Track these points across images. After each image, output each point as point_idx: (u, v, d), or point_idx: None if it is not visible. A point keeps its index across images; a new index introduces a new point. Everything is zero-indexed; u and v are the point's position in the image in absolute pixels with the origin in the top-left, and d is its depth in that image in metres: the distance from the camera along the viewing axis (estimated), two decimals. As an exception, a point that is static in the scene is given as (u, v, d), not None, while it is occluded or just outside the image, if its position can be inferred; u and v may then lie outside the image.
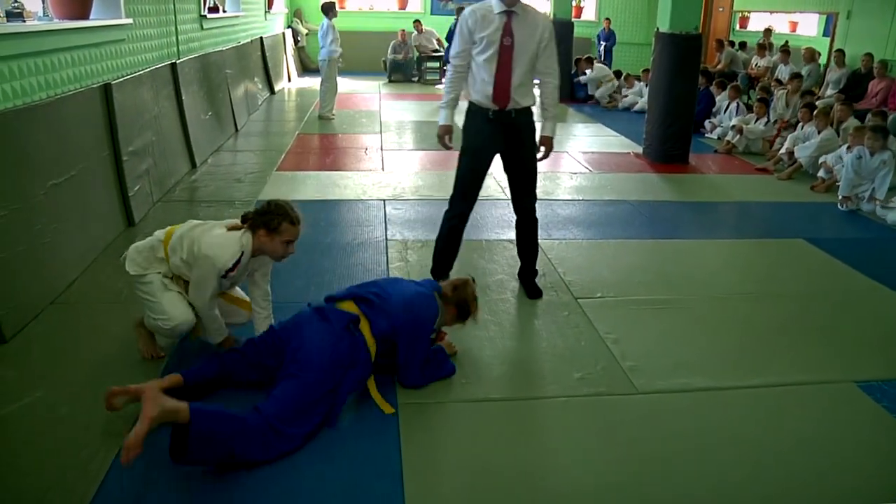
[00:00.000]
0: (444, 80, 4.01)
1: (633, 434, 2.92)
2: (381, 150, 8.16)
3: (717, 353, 3.62)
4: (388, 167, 7.30)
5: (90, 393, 3.03)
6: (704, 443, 2.87)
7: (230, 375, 3.03)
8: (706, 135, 9.58)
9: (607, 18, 15.10)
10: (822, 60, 11.45)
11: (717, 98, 9.89)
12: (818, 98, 9.49)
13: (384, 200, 6.07)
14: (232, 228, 3.15)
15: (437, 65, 14.92)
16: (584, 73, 12.73)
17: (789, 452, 2.83)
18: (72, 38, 4.67)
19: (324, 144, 8.46)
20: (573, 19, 13.12)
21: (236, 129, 8.94)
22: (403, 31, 14.89)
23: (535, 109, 3.98)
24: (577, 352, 3.57)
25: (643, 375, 3.35)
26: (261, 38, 11.76)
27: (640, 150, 8.42)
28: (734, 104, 9.37)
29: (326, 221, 5.47)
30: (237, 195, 6.06)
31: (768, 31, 13.36)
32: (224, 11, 9.73)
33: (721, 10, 15.50)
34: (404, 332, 3.07)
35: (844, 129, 7.36)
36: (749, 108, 9.37)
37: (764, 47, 12.42)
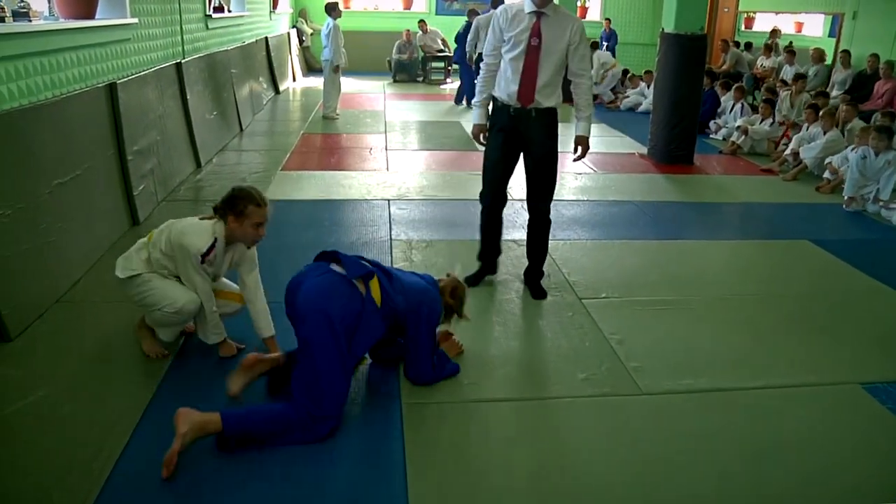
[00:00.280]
0: (477, 80, 4.10)
1: (638, 435, 2.92)
2: (386, 149, 8.16)
3: (722, 354, 3.61)
4: (393, 167, 7.30)
5: (94, 392, 3.05)
6: (709, 444, 2.87)
7: None
8: (711, 135, 9.56)
9: (607, 19, 15.06)
10: (828, 61, 11.41)
11: (723, 99, 9.87)
12: (831, 99, 9.46)
13: (388, 200, 6.07)
14: (205, 218, 3.21)
15: (441, 65, 14.92)
16: None
17: (794, 454, 2.82)
18: (77, 38, 4.68)
19: (328, 144, 8.47)
20: (581, 21, 13.07)
21: (241, 129, 8.94)
22: (408, 31, 14.89)
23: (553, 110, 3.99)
24: (581, 352, 3.57)
25: (648, 376, 3.35)
26: (266, 37, 11.77)
27: (644, 150, 8.41)
28: (739, 105, 9.36)
29: (331, 221, 5.48)
30: (242, 195, 6.06)
31: (776, 32, 13.32)
32: (229, 11, 9.73)
33: (726, 10, 15.46)
34: (417, 318, 3.04)
35: (850, 130, 7.34)
36: (754, 109, 9.36)
37: (770, 48, 12.39)
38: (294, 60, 14.19)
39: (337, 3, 9.87)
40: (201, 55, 7.73)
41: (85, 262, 4.27)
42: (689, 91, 7.72)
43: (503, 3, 10.15)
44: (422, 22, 14.94)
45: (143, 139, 5.46)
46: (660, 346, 3.66)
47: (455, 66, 13.33)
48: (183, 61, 6.89)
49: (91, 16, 4.97)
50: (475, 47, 10.20)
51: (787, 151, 7.68)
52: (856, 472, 2.73)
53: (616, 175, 7.29)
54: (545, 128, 3.98)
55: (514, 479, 2.63)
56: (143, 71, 5.82)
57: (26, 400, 2.96)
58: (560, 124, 4.10)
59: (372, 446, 2.79)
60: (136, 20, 5.69)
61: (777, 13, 14.48)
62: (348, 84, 12.78)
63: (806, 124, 7.75)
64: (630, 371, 3.39)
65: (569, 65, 3.92)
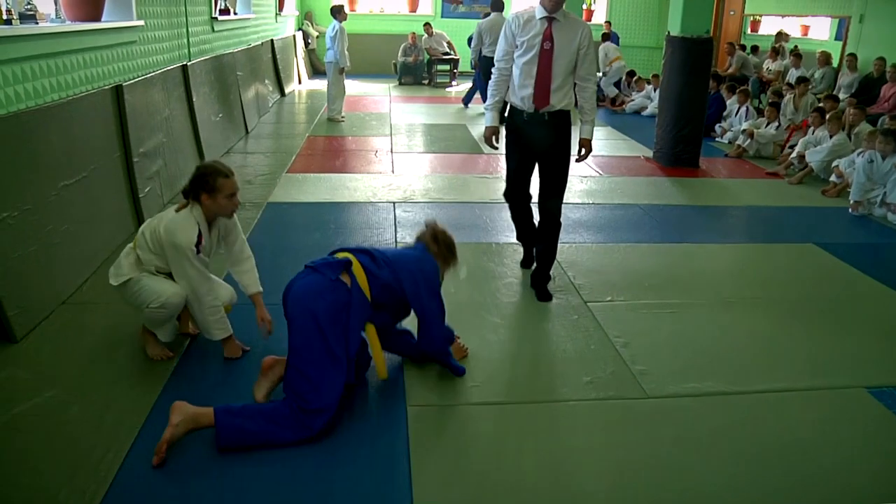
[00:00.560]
0: (489, 84, 4.23)
1: (643, 438, 2.91)
2: (392, 152, 8.16)
3: (727, 357, 3.60)
4: (398, 170, 7.30)
5: (100, 393, 3.06)
6: (714, 448, 2.86)
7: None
8: (717, 139, 9.56)
9: (607, 21, 15.05)
10: (834, 64, 11.39)
11: (728, 102, 9.86)
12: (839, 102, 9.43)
13: (394, 203, 6.07)
14: (180, 208, 3.21)
15: (447, 67, 14.94)
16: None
17: (799, 457, 2.81)
18: (84, 40, 4.70)
19: (334, 147, 8.48)
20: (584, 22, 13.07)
21: (247, 131, 8.97)
22: (414, 33, 14.91)
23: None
24: (586, 355, 3.56)
25: (653, 379, 3.34)
26: (271, 40, 11.80)
27: (650, 153, 8.40)
28: (744, 108, 9.34)
29: (336, 223, 5.48)
30: (247, 197, 6.07)
31: (785, 36, 13.29)
32: (235, 13, 9.76)
33: (732, 13, 15.44)
34: (413, 284, 3.03)
35: (857, 134, 7.32)
36: (760, 113, 9.34)
37: (777, 51, 12.36)
38: (299, 63, 14.22)
39: (342, 6, 9.91)
40: (207, 57, 7.76)
41: (91, 263, 4.29)
42: (695, 94, 7.71)
43: (503, 5, 10.16)
44: (427, 25, 14.96)
45: (149, 141, 5.47)
46: (665, 349, 3.66)
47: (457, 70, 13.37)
48: (189, 63, 6.91)
49: (97, 18, 4.99)
50: (479, 52, 10.19)
51: (793, 155, 7.66)
52: (861, 475, 2.72)
53: (621, 178, 7.29)
54: (559, 129, 4.08)
55: (518, 481, 2.62)
56: (150, 73, 5.84)
57: (33, 401, 2.97)
58: None
59: (377, 448, 2.78)
60: (142, 22, 5.71)
61: (783, 16, 14.45)
62: (353, 87, 12.80)
63: (812, 128, 7.73)
64: (635, 374, 3.38)
65: (577, 70, 4.03)
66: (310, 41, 15.68)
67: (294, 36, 14.17)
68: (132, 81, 5.31)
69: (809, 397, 3.26)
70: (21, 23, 4.18)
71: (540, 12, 3.94)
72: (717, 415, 3.10)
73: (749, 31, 15.56)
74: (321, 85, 12.55)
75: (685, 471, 2.71)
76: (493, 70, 4.19)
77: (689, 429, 2.99)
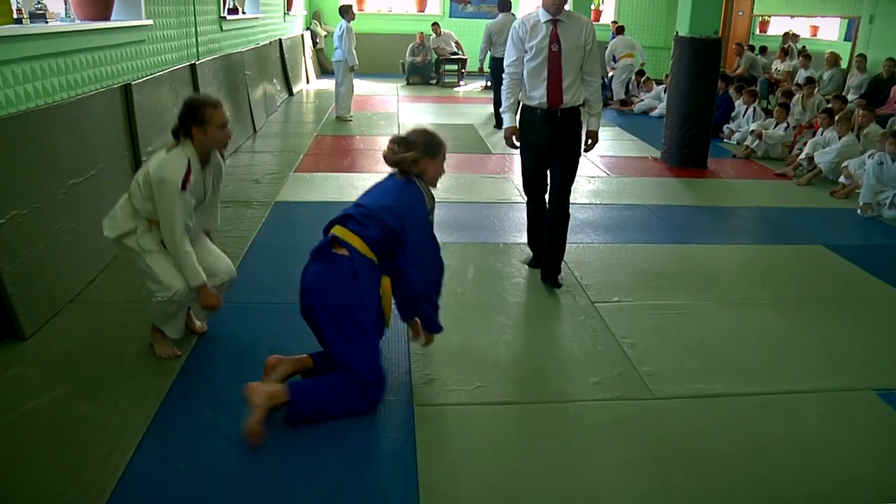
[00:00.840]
0: (502, 88, 4.35)
1: (649, 439, 2.90)
2: (399, 152, 8.14)
3: (734, 358, 3.59)
4: (405, 169, 7.28)
5: (109, 391, 3.07)
6: (720, 450, 2.85)
7: None
8: (725, 140, 9.53)
9: (614, 21, 15.02)
10: (843, 65, 11.34)
11: (736, 103, 9.83)
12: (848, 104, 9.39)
13: (401, 202, 6.06)
14: (171, 147, 3.18)
15: (455, 67, 14.92)
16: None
17: (807, 459, 2.80)
18: (93, 39, 4.71)
19: (341, 146, 8.49)
20: (593, 22, 13.04)
21: (255, 130, 8.98)
22: (422, 33, 14.91)
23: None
24: (593, 356, 3.56)
25: (660, 381, 3.33)
26: (279, 39, 11.82)
27: (658, 154, 8.37)
28: (751, 109, 9.31)
29: (343, 223, 5.47)
30: (255, 196, 6.09)
31: (795, 36, 13.23)
32: (243, 13, 9.78)
33: (741, 14, 15.39)
34: (399, 223, 2.97)
35: (866, 135, 7.29)
36: (768, 113, 9.30)
37: (786, 52, 12.32)
38: (308, 62, 14.24)
39: (350, 6, 9.91)
40: (215, 56, 7.78)
41: (99, 262, 4.30)
42: (704, 95, 7.68)
43: (510, 5, 10.14)
44: (435, 24, 14.95)
45: (158, 140, 5.47)
46: (672, 350, 3.65)
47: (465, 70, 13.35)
48: (197, 62, 6.93)
49: (107, 17, 5.01)
50: (487, 53, 10.17)
51: (802, 156, 7.63)
52: (870, 478, 2.71)
53: (629, 178, 7.27)
54: (571, 125, 4.19)
55: (524, 481, 2.62)
56: (158, 72, 5.86)
57: (41, 399, 2.98)
58: None
59: (384, 448, 2.79)
60: (150, 21, 5.73)
61: (792, 17, 14.39)
62: (361, 86, 12.81)
63: (821, 129, 7.70)
64: (642, 375, 3.38)
65: (583, 65, 4.12)
66: (318, 40, 15.71)
67: (302, 35, 14.19)
68: (141, 80, 5.32)
69: (817, 399, 3.24)
70: (31, 22, 4.21)
71: (544, 15, 4.05)
72: (724, 416, 3.09)
73: (758, 32, 15.50)
74: (329, 84, 12.57)
75: (691, 472, 2.70)
76: (503, 75, 4.30)
77: (695, 430, 2.98)
